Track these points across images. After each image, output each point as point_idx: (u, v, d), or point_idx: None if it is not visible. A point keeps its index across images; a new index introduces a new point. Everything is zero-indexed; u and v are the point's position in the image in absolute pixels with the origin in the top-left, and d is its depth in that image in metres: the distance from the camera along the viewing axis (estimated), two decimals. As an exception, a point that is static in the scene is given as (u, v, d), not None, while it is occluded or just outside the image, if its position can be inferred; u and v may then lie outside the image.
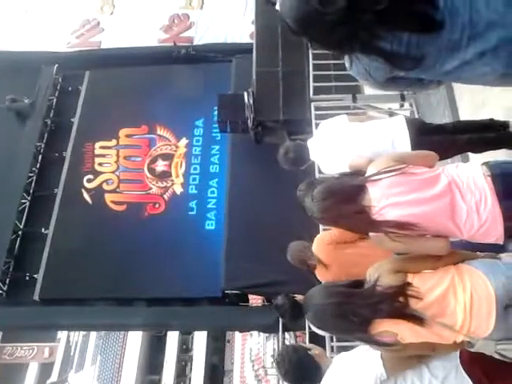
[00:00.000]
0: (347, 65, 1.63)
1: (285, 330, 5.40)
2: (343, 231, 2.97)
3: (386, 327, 1.81)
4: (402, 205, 1.83)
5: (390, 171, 1.87)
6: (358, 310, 1.79)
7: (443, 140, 3.11)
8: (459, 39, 1.42)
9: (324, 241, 3.17)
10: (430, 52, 1.46)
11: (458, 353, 2.03)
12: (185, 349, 14.05)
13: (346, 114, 3.58)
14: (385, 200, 1.84)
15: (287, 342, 5.25)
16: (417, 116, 4.81)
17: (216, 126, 6.67)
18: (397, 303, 1.79)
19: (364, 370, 2.17)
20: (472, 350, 1.83)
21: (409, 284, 1.83)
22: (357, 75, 1.63)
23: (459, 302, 1.80)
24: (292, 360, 2.47)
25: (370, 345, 1.94)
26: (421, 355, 2.06)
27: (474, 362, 1.97)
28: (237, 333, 11.82)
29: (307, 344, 2.54)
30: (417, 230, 1.82)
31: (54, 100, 7.90)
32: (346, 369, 2.29)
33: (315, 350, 2.46)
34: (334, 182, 2.09)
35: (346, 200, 1.90)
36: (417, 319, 1.78)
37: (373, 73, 1.57)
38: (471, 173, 1.88)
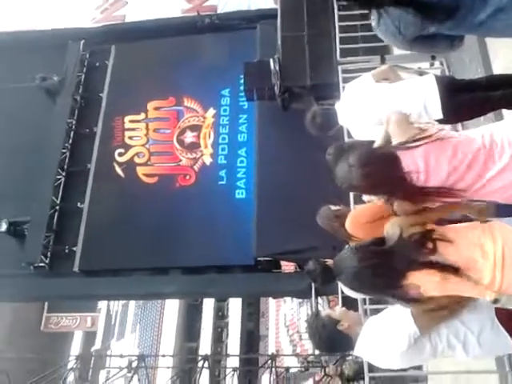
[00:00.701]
0: (374, 23, 1.58)
1: (317, 294, 5.47)
2: (379, 206, 2.92)
3: (416, 279, 1.81)
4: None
5: (427, 137, 1.83)
6: (394, 265, 1.79)
7: (475, 97, 3.00)
8: None
9: (360, 220, 3.07)
10: (463, 1, 1.41)
11: (492, 304, 2.01)
12: (221, 315, 14.40)
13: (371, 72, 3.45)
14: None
15: (320, 307, 5.30)
16: (447, 73, 4.66)
17: (243, 94, 6.64)
18: (426, 249, 1.77)
19: (396, 330, 2.16)
20: (497, 305, 1.81)
21: (432, 230, 1.82)
22: (384, 33, 1.58)
23: (488, 257, 1.77)
24: (322, 336, 2.45)
25: (401, 301, 1.94)
26: (452, 309, 2.05)
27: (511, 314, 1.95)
28: (271, 299, 12.00)
29: (337, 313, 2.50)
30: (461, 195, 1.80)
31: (83, 76, 7.98)
32: (378, 331, 2.27)
33: (345, 323, 2.42)
34: (371, 148, 2.04)
35: (389, 166, 1.86)
36: (450, 268, 1.76)
37: (403, 29, 1.52)
38: (506, 132, 1.83)
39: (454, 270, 1.75)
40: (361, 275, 1.87)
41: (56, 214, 7.06)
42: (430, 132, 1.86)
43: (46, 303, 11.94)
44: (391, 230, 1.89)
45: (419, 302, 1.87)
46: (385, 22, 1.52)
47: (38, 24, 8.45)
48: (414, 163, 1.82)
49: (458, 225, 1.95)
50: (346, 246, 2.70)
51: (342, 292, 3.13)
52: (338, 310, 2.49)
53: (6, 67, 7.86)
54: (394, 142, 2.00)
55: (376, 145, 2.14)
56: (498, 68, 3.96)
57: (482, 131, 1.88)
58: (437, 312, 2.05)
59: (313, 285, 4.93)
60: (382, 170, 1.86)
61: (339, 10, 5.65)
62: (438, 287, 1.82)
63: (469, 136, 1.87)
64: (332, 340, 2.43)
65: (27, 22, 8.52)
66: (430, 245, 1.77)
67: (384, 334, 2.27)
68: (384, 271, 1.81)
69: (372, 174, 1.86)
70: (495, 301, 1.82)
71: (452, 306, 2.03)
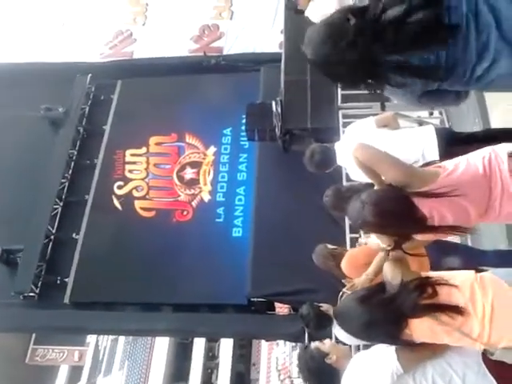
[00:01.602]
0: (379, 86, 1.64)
1: (310, 339, 5.36)
2: (374, 249, 2.93)
3: (411, 326, 1.81)
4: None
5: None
6: (399, 312, 1.82)
7: (473, 150, 3.06)
8: (486, 41, 1.41)
9: (356, 261, 3.08)
10: (460, 59, 1.45)
11: (479, 347, 2.00)
12: (211, 356, 14.08)
13: (374, 116, 3.53)
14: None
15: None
16: (447, 124, 4.75)
17: (244, 134, 6.73)
18: (426, 294, 1.80)
19: (379, 367, 2.17)
20: (492, 357, 1.80)
21: (430, 277, 1.83)
22: (391, 95, 1.64)
23: (477, 308, 1.78)
24: (310, 368, 2.52)
25: (398, 345, 1.94)
26: (436, 348, 2.04)
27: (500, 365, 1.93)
28: (263, 341, 11.78)
29: (326, 346, 2.51)
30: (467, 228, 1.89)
31: (87, 108, 8.11)
32: (362, 367, 2.30)
33: (333, 356, 2.44)
34: (384, 191, 2.06)
35: (404, 206, 1.90)
36: (454, 309, 1.77)
37: (409, 90, 1.59)
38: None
39: (459, 311, 1.76)
40: (371, 326, 1.91)
41: (50, 243, 7.00)
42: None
43: (33, 335, 11.70)
44: (391, 274, 1.90)
45: (412, 346, 1.88)
46: (389, 88, 1.58)
47: (48, 56, 8.63)
48: (427, 207, 1.88)
49: (453, 272, 1.97)
50: (347, 293, 2.69)
51: (336, 338, 3.08)
52: (328, 344, 2.51)
53: (13, 96, 7.97)
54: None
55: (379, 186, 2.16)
56: (496, 119, 4.03)
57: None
58: (421, 351, 2.06)
59: (306, 330, 4.84)
60: (397, 210, 1.90)
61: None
62: (430, 335, 1.82)
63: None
64: (320, 373, 2.47)
65: (37, 53, 8.70)
66: (430, 290, 1.80)
67: (368, 370, 2.28)
68: (394, 319, 1.85)
69: (384, 212, 1.90)
70: (491, 354, 1.82)
71: (436, 347, 2.03)
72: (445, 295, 1.82)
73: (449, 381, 2.08)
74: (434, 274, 1.91)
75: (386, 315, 1.84)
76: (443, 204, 1.88)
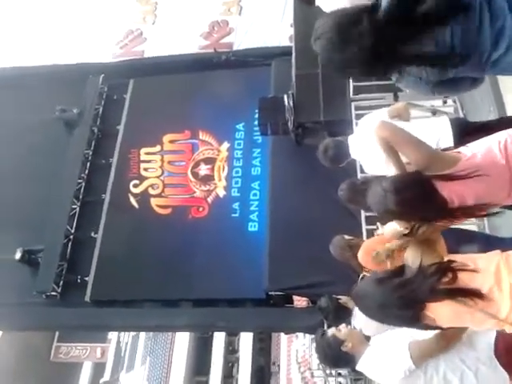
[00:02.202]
0: (394, 78, 1.64)
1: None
2: (391, 233, 2.94)
3: (432, 311, 1.81)
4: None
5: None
6: (416, 295, 1.81)
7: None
8: (502, 27, 1.42)
9: (372, 252, 3.09)
10: (475, 44, 1.45)
11: (492, 342, 2.00)
12: (231, 350, 14.17)
13: (386, 107, 3.51)
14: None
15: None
16: (461, 113, 4.70)
17: (257, 129, 6.74)
18: (446, 278, 1.79)
19: (393, 362, 2.23)
20: None
21: (452, 260, 1.83)
22: (406, 86, 1.64)
23: (504, 289, 1.76)
24: (327, 355, 2.66)
25: (420, 329, 1.95)
26: (446, 345, 2.06)
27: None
28: (282, 334, 11.82)
29: (342, 333, 2.58)
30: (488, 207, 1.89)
31: (101, 109, 8.19)
32: (377, 358, 2.38)
33: (349, 344, 2.49)
34: (405, 177, 2.06)
35: (426, 193, 1.92)
36: (475, 294, 1.76)
37: (424, 80, 1.59)
38: None
39: (479, 295, 1.75)
40: (386, 309, 1.89)
41: (70, 243, 7.12)
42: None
43: (57, 333, 11.90)
44: (411, 258, 1.92)
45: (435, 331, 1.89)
46: (404, 77, 1.58)
47: (61, 58, 8.72)
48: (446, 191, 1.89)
49: (477, 255, 1.96)
50: (366, 276, 2.71)
51: (355, 329, 3.09)
52: (343, 331, 2.54)
53: (28, 98, 8.10)
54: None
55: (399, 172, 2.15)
56: (511, 106, 3.98)
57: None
58: (434, 345, 2.08)
59: (325, 323, 4.87)
60: (419, 197, 1.92)
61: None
62: (454, 318, 1.81)
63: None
64: (336, 358, 2.61)
65: (50, 56, 8.80)
66: (450, 274, 1.79)
67: (382, 363, 2.37)
68: (408, 303, 1.84)
69: (409, 200, 1.91)
70: None
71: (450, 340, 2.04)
72: (465, 279, 1.80)
73: (460, 375, 2.10)
74: (457, 258, 1.90)
75: (400, 299, 1.83)
76: (464, 187, 1.88)
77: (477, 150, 1.99)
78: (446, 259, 1.87)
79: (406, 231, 2.13)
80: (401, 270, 1.90)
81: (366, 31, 1.43)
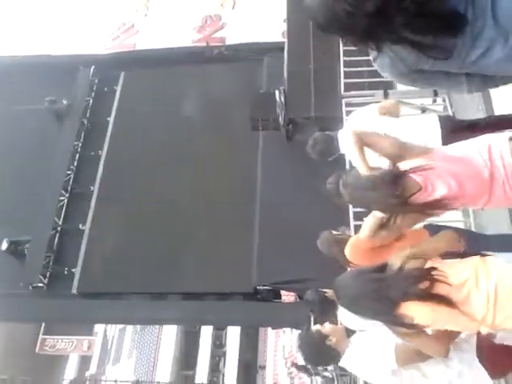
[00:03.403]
0: (372, 56, 1.65)
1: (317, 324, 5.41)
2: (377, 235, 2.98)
3: (409, 309, 1.84)
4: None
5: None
6: (390, 293, 1.86)
7: (476, 137, 3.08)
8: (482, 27, 1.43)
9: (359, 248, 3.13)
10: (454, 43, 1.47)
11: (474, 343, 2.04)
12: (218, 344, 14.21)
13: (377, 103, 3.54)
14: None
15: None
16: (450, 111, 4.74)
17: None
18: (423, 284, 1.83)
19: (377, 363, 2.29)
20: (495, 340, 1.83)
21: (433, 268, 1.87)
22: (381, 67, 1.64)
23: (481, 292, 1.80)
24: (311, 351, 2.65)
25: (394, 327, 1.98)
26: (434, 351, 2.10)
27: (495, 353, 1.97)
28: (269, 329, 11.88)
29: (327, 328, 2.60)
30: (451, 204, 1.96)
31: (91, 100, 8.14)
32: (363, 355, 2.41)
33: (333, 338, 2.51)
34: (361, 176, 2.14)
35: (382, 187, 2.01)
36: (444, 300, 1.81)
37: (399, 64, 1.59)
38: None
39: (447, 302, 1.79)
40: (358, 299, 1.95)
41: (57, 234, 7.10)
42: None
43: (43, 325, 11.84)
44: (394, 261, 1.95)
45: (412, 331, 1.90)
46: (382, 56, 1.58)
47: (52, 49, 8.64)
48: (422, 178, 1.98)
49: (455, 260, 1.99)
50: (348, 270, 2.75)
51: (341, 324, 3.12)
52: (328, 326, 2.57)
53: (17, 89, 8.04)
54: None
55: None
56: (499, 105, 4.03)
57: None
58: (418, 354, 2.11)
59: (312, 316, 4.90)
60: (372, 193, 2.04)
61: (344, 44, 5.77)
62: (431, 318, 1.85)
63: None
64: (320, 353, 2.61)
65: (41, 46, 8.72)
66: (427, 283, 1.84)
67: (368, 360, 2.42)
68: (379, 297, 1.89)
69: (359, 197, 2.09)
70: (491, 335, 1.85)
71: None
72: (439, 287, 1.85)
73: (442, 372, 2.14)
74: (439, 265, 1.93)
75: (373, 292, 1.89)
76: (438, 176, 1.95)
77: (456, 147, 2.06)
78: (428, 265, 1.90)
79: (384, 220, 2.19)
80: (382, 267, 1.95)
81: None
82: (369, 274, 1.96)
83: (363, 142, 2.16)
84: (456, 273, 1.86)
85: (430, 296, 1.81)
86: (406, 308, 1.85)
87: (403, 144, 2.13)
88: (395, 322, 1.89)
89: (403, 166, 2.00)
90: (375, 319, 2.07)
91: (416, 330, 1.89)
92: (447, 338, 1.96)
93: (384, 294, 1.87)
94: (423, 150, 2.05)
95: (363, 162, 2.15)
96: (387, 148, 2.07)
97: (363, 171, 2.15)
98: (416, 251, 1.98)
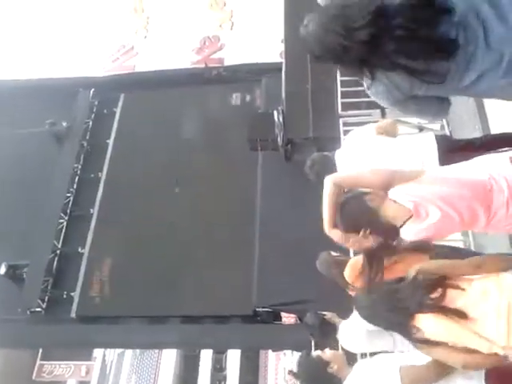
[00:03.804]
0: (366, 84, 1.65)
1: (317, 348, 5.33)
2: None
3: (422, 322, 1.82)
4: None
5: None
6: (405, 304, 1.85)
7: (472, 157, 3.07)
8: (474, 51, 1.44)
9: (358, 269, 3.09)
10: (449, 66, 1.47)
11: (483, 372, 1.98)
12: (218, 368, 13.99)
13: (374, 123, 3.53)
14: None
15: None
16: (447, 130, 4.74)
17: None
18: (436, 293, 1.82)
19: None
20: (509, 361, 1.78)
21: (446, 278, 1.85)
22: (375, 95, 1.64)
23: (495, 311, 1.76)
24: (311, 378, 2.58)
25: (409, 340, 1.95)
26: (441, 373, 2.03)
27: (505, 379, 1.91)
28: (270, 352, 11.72)
29: (328, 355, 2.53)
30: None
31: (91, 123, 8.18)
32: (366, 381, 2.31)
33: (335, 366, 2.45)
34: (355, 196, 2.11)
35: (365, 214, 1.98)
36: (458, 313, 1.78)
37: (393, 91, 1.60)
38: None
39: (461, 315, 1.75)
40: (375, 309, 1.94)
41: (56, 258, 7.03)
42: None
43: (40, 350, 11.67)
44: (411, 272, 1.95)
45: (425, 347, 1.89)
46: (376, 84, 1.58)
47: (52, 71, 8.72)
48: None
49: (473, 276, 1.96)
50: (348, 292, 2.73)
51: (342, 348, 3.06)
52: (329, 352, 2.51)
53: (18, 112, 8.09)
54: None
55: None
56: (495, 124, 4.03)
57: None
58: (425, 372, 2.05)
59: (312, 339, 4.82)
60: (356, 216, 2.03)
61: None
62: (444, 332, 1.82)
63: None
64: (321, 380, 2.52)
65: (41, 69, 8.81)
66: (440, 290, 1.82)
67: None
68: (394, 308, 1.88)
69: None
70: (505, 358, 1.80)
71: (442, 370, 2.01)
72: (455, 297, 1.82)
73: None
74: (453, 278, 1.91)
75: (389, 302, 1.89)
76: (429, 201, 1.90)
77: (451, 170, 2.04)
78: (441, 276, 1.88)
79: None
80: (400, 279, 1.94)
81: (366, 25, 1.43)
82: (386, 286, 1.97)
83: (345, 186, 2.10)
84: (469, 286, 1.83)
85: (443, 308, 1.79)
86: (419, 321, 1.83)
87: (389, 171, 2.07)
88: (409, 334, 1.87)
89: (394, 192, 1.95)
90: (390, 329, 2.07)
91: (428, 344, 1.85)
92: (463, 353, 1.91)
93: (399, 305, 1.87)
94: (414, 173, 2.00)
95: (329, 219, 2.09)
96: (373, 181, 2.01)
97: (326, 229, 2.10)
98: (436, 268, 1.96)
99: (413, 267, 1.97)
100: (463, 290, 1.82)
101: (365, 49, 1.42)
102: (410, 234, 1.97)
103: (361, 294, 2.05)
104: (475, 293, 1.82)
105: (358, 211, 2.01)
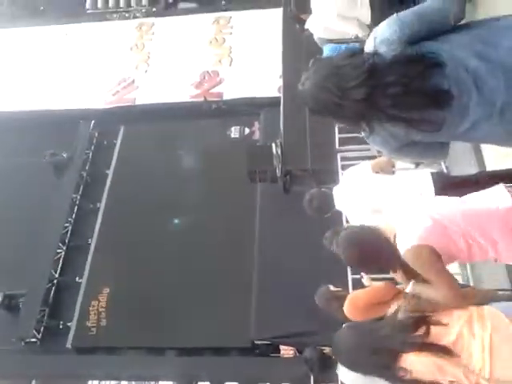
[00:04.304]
0: (365, 135, 1.73)
1: (316, 383, 5.30)
2: (377, 291, 3.01)
3: (409, 362, 1.82)
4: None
5: None
6: (388, 344, 1.84)
7: (468, 193, 3.15)
8: (467, 102, 1.52)
9: (358, 304, 3.12)
10: (445, 116, 1.55)
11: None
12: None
13: (371, 158, 3.63)
14: None
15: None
16: (443, 166, 4.85)
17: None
18: (420, 330, 1.82)
19: None
20: None
21: (428, 316, 1.87)
22: (374, 143, 1.72)
23: (476, 341, 1.80)
24: None
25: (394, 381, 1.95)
26: None
27: None
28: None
29: None
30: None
31: (90, 153, 8.28)
32: None
33: None
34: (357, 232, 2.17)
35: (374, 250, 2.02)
36: (445, 350, 1.80)
37: (391, 140, 1.67)
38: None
39: (446, 351, 1.78)
40: (356, 354, 1.92)
41: (53, 287, 7.02)
42: None
43: (33, 382, 11.46)
44: (391, 311, 1.96)
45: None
46: (374, 135, 1.66)
47: (53, 103, 8.85)
48: None
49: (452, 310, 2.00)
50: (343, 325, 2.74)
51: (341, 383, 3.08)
52: None
53: (19, 142, 8.20)
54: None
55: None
56: (490, 160, 4.14)
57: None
58: None
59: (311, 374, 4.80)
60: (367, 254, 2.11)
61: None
62: (431, 371, 1.83)
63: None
64: None
65: (44, 101, 8.93)
66: (424, 328, 1.84)
67: None
68: (377, 350, 1.86)
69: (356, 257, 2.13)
70: None
71: None
72: (439, 334, 1.85)
73: None
74: (434, 314, 1.93)
75: (370, 345, 1.87)
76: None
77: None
78: (421, 315, 1.90)
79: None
80: (378, 319, 1.95)
81: (359, 85, 1.49)
82: (365, 326, 1.96)
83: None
84: (451, 320, 1.86)
85: (430, 346, 1.80)
86: (406, 361, 1.83)
87: (463, 294, 2.06)
88: (395, 377, 1.86)
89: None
90: (375, 375, 2.02)
91: None
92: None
93: (382, 346, 1.85)
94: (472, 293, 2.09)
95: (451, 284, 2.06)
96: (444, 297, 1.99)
97: (458, 298, 2.01)
98: (415, 307, 1.99)
99: (391, 310, 2.01)
100: (446, 325, 1.84)
101: (360, 106, 1.50)
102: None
103: (341, 339, 2.01)
104: (458, 326, 1.86)
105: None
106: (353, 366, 2.04)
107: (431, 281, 1.98)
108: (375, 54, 1.51)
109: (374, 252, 2.04)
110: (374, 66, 1.49)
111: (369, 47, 1.56)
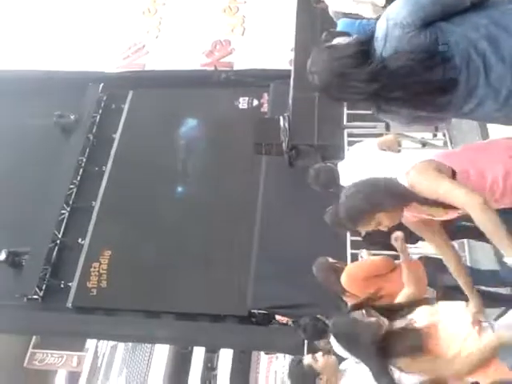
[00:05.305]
0: (374, 110, 1.77)
1: (310, 351, 5.40)
2: (375, 264, 3.05)
3: (403, 363, 1.91)
4: None
5: None
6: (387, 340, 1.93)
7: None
8: (474, 85, 1.56)
9: (356, 276, 3.16)
10: (450, 99, 1.60)
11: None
12: (210, 367, 14.02)
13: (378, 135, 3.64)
14: None
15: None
16: (450, 146, 4.85)
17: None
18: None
19: None
20: None
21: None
22: (384, 117, 1.77)
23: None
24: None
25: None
26: None
27: None
28: (262, 354, 11.77)
29: (319, 365, 2.57)
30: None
31: (98, 117, 8.27)
32: None
33: (324, 377, 2.50)
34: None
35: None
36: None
37: (397, 117, 1.75)
38: None
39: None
40: (353, 339, 2.00)
41: (56, 247, 7.12)
42: None
43: (33, 339, 11.71)
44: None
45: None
46: (381, 112, 1.73)
47: (63, 65, 8.81)
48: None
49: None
50: (343, 310, 2.79)
51: (335, 352, 3.14)
52: (320, 362, 2.55)
53: (27, 102, 8.17)
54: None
55: None
56: (496, 137, 4.13)
57: None
58: None
59: (305, 341, 4.90)
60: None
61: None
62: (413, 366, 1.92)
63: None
64: None
65: (52, 61, 8.88)
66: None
67: None
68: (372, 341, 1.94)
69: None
70: None
71: None
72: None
73: None
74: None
75: (370, 334, 1.94)
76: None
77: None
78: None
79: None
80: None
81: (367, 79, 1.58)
82: (366, 319, 2.02)
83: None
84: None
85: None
86: (401, 360, 1.93)
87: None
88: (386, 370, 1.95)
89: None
90: (368, 361, 2.08)
91: None
92: None
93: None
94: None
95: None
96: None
97: None
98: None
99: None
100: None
101: (372, 95, 1.58)
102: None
103: (339, 320, 2.09)
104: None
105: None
106: (351, 347, 2.11)
107: (446, 195, 1.90)
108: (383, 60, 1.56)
109: (378, 192, 2.07)
110: (380, 71, 1.56)
111: (381, 28, 1.58)
